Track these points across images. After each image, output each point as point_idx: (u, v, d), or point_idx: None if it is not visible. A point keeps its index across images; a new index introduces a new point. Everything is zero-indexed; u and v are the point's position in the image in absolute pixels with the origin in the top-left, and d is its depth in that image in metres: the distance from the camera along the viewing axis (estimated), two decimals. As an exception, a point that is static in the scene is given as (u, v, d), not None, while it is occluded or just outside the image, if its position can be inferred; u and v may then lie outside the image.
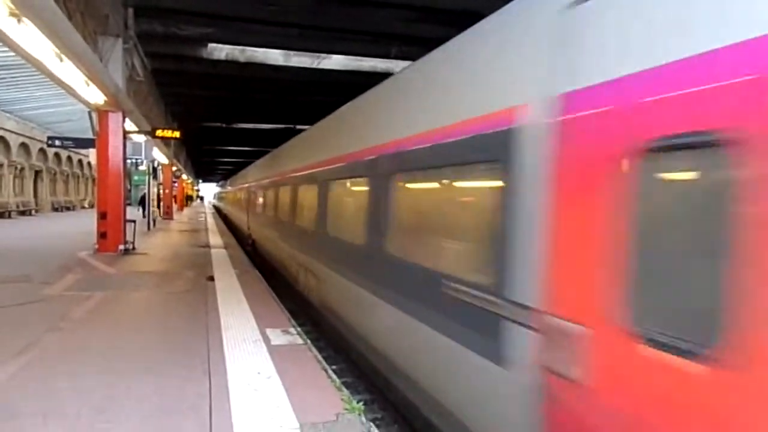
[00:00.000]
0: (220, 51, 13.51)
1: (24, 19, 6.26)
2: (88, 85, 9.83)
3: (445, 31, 9.27)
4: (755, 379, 1.47)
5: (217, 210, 48.58)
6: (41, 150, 31.73)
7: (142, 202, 25.49)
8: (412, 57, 12.44)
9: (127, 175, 13.89)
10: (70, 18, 6.93)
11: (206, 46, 13.33)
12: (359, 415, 3.71)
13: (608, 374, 2.00)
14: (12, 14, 6.08)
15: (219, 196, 58.72)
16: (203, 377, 4.28)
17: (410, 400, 4.12)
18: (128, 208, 12.94)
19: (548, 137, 2.41)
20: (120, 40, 10.76)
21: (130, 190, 17.39)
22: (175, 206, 34.25)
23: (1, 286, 7.92)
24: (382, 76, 11.95)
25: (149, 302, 7.30)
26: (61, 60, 8.11)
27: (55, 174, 35.92)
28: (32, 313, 6.32)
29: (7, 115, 26.69)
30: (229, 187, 37.72)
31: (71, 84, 9.74)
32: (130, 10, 11.29)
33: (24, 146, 29.70)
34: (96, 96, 10.79)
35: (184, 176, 46.77)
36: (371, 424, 3.64)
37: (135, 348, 5.06)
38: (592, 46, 2.24)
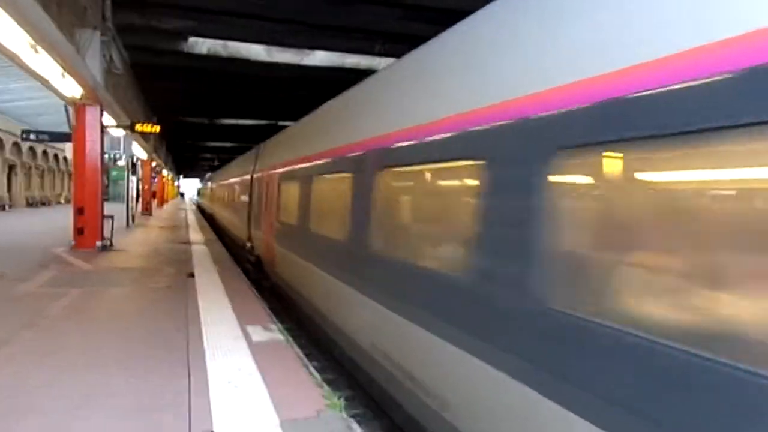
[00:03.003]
0: (201, 45, 13.33)
1: (-2, 8, 6.10)
2: (64, 77, 9.62)
3: (430, 29, 9.31)
4: None
5: (202, 211, 38.94)
6: (15, 144, 30.95)
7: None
8: (396, 54, 12.44)
9: (105, 170, 13.61)
10: (45, 8, 6.75)
11: (187, 39, 13.15)
12: (340, 411, 3.71)
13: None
14: (-15, 3, 5.92)
15: (204, 193, 45.34)
16: (183, 374, 4.24)
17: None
18: (106, 204, 12.70)
19: None
20: (98, 32, 10.52)
21: (107, 186, 16.40)
22: (154, 202, 33.73)
23: (-27, 283, 7.72)
24: (366, 72, 11.95)
25: (128, 299, 7.19)
26: (37, 51, 7.93)
27: (29, 168, 35.07)
28: (6, 311, 6.18)
29: (-20, 107, 25.95)
30: (219, 181, 25.53)
31: (47, 76, 9.52)
32: (108, 2, 11.06)
33: (-3, 140, 28.92)
34: (73, 89, 10.56)
35: (165, 172, 46.06)
36: (352, 420, 3.65)
37: (113, 345, 4.99)
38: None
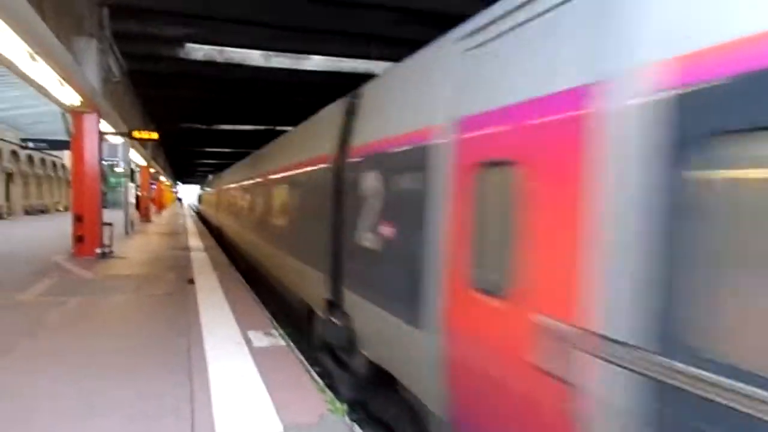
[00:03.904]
0: (198, 51, 13.34)
1: (-5, 17, 6.11)
2: (62, 85, 9.63)
3: (426, 33, 9.34)
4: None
5: (205, 222, 31.58)
6: (13, 152, 30.92)
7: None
8: (393, 58, 12.48)
9: (103, 177, 13.61)
10: (43, 16, 6.76)
11: (184, 46, 13.16)
12: (342, 416, 3.71)
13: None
14: (-18, 13, 5.93)
15: (207, 199, 36.13)
16: (185, 380, 4.23)
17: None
18: (104, 211, 12.69)
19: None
20: (95, 40, 10.54)
21: (106, 193, 16.16)
22: (153, 208, 33.70)
23: (-28, 292, 7.70)
24: (363, 77, 11.97)
25: (129, 306, 7.17)
26: (34, 60, 7.94)
27: (27, 177, 35.01)
28: (5, 320, 6.16)
29: (-23, 116, 25.94)
30: (226, 185, 20.67)
31: (45, 84, 9.53)
32: (105, 10, 11.07)
33: (-5, 148, 28.89)
34: (71, 97, 10.57)
35: (163, 178, 46.04)
36: (355, 424, 3.65)
37: (115, 352, 4.98)
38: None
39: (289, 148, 8.81)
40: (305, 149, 7.14)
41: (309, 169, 6.66)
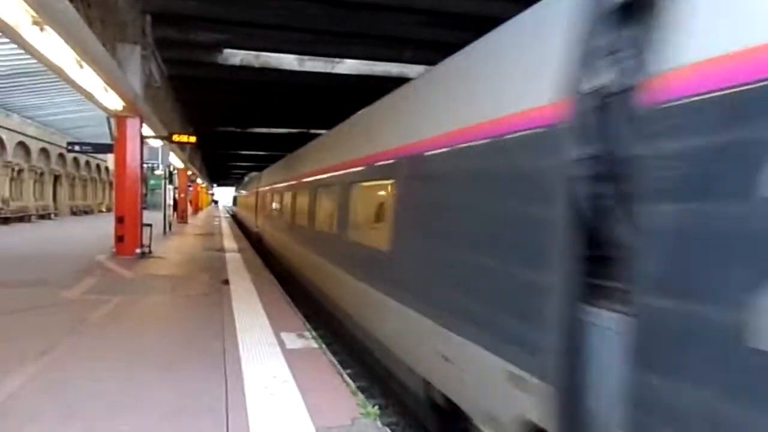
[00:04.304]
0: (235, 56, 13.65)
1: (46, 27, 6.40)
2: (107, 91, 10.01)
3: (458, 36, 9.28)
4: None
5: (240, 224, 30.61)
6: (60, 155, 32.29)
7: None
8: (426, 61, 12.45)
9: (144, 179, 14.08)
10: (90, 25, 7.06)
11: (221, 51, 13.48)
12: (374, 419, 3.70)
13: None
14: (35, 22, 6.22)
15: (246, 202, 31.55)
16: (220, 380, 4.31)
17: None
18: (144, 212, 13.11)
19: None
20: (138, 47, 10.93)
21: (146, 195, 16.40)
22: (189, 210, 34.61)
23: (21, 290, 8.06)
24: (396, 80, 11.98)
25: (166, 306, 7.37)
26: (81, 67, 8.28)
27: (73, 179, 36.52)
28: (51, 317, 6.42)
29: (28, 121, 27.24)
30: (272, 184, 16.84)
31: (91, 90, 9.93)
32: (148, 17, 11.46)
33: (44, 151, 30.26)
34: (114, 102, 10.97)
35: (199, 180, 47.25)
36: (387, 428, 3.63)
37: (153, 350, 5.12)
38: None
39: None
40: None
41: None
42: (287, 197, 12.74)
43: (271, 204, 16.49)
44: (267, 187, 18.18)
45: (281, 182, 14.43)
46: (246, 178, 40.63)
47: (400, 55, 13.05)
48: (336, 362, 5.03)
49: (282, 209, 13.77)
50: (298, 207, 10.95)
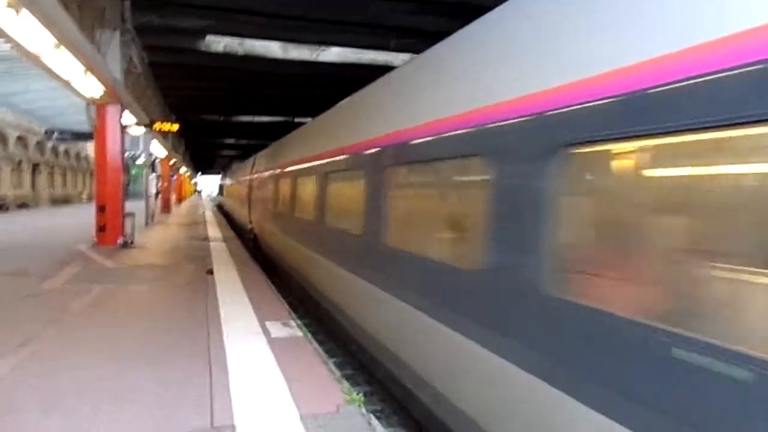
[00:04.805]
0: (218, 43, 13.43)
1: (22, 9, 6.22)
2: (87, 76, 9.78)
3: (445, 23, 9.25)
4: None
5: (227, 217, 26.96)
6: (38, 143, 31.63)
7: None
8: (412, 49, 12.40)
9: (125, 168, 13.84)
10: (66, 8, 6.88)
11: (204, 38, 13.25)
12: (359, 406, 3.73)
13: None
14: (9, 5, 6.04)
15: (231, 192, 28.71)
16: (204, 369, 4.29)
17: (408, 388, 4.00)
18: (126, 202, 12.91)
19: None
20: (117, 33, 10.70)
21: (128, 184, 15.74)
22: (173, 199, 34.19)
23: (0, 281, 7.91)
24: (382, 68, 11.90)
25: (149, 295, 7.30)
26: (59, 51, 8.07)
27: (53, 167, 35.82)
28: (31, 307, 6.32)
29: (3, 108, 26.57)
30: (272, 168, 12.44)
31: (69, 76, 9.69)
32: (127, 3, 11.21)
33: (21, 139, 29.60)
34: (94, 89, 10.73)
35: (183, 169, 46.64)
36: (371, 415, 3.66)
37: (136, 340, 5.07)
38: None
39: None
40: None
41: None
42: (308, 184, 8.03)
43: (274, 194, 11.44)
44: (267, 172, 13.13)
45: (298, 162, 9.04)
46: (233, 166, 36.53)
47: (387, 43, 12.96)
48: (321, 351, 5.04)
49: (297, 201, 8.89)
50: (334, 198, 6.76)
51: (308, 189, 8.00)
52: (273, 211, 11.58)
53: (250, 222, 16.20)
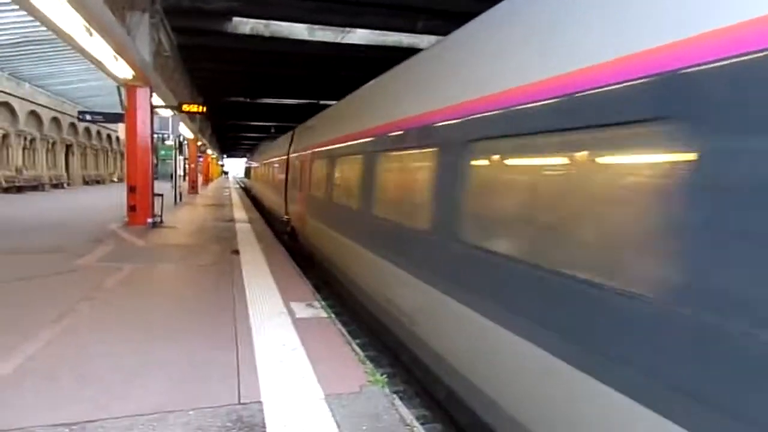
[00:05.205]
0: (244, 25, 13.47)
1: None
2: (116, 59, 9.95)
3: (472, 5, 9.03)
4: None
5: (256, 203, 23.96)
6: (72, 124, 32.40)
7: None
8: (439, 31, 12.20)
9: (155, 149, 14.10)
10: (98, -8, 6.98)
11: (231, 20, 13.30)
12: (382, 387, 3.77)
13: None
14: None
15: (259, 175, 25.83)
16: (231, 347, 4.39)
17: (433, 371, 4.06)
18: (155, 182, 13.18)
19: None
20: (147, 15, 10.80)
21: (157, 165, 15.33)
22: (200, 180, 34.76)
23: (36, 257, 8.22)
24: (407, 50, 11.78)
25: (178, 274, 7.48)
26: (91, 34, 8.22)
27: (85, 148, 36.72)
28: (66, 283, 6.55)
29: (39, 90, 27.27)
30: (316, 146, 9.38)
31: (100, 58, 9.87)
32: (157, -16, 11.31)
33: (55, 121, 30.37)
34: (124, 71, 10.92)
35: (209, 151, 47.29)
36: (394, 396, 3.70)
37: (165, 319, 5.22)
38: None
39: None
40: None
41: None
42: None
43: (329, 179, 8.11)
44: (318, 149, 9.41)
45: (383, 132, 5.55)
46: (261, 146, 31.57)
47: (413, 26, 12.78)
48: (345, 331, 5.10)
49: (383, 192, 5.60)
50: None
51: (407, 176, 5.04)
52: (327, 204, 8.08)
53: (286, 213, 12.78)
